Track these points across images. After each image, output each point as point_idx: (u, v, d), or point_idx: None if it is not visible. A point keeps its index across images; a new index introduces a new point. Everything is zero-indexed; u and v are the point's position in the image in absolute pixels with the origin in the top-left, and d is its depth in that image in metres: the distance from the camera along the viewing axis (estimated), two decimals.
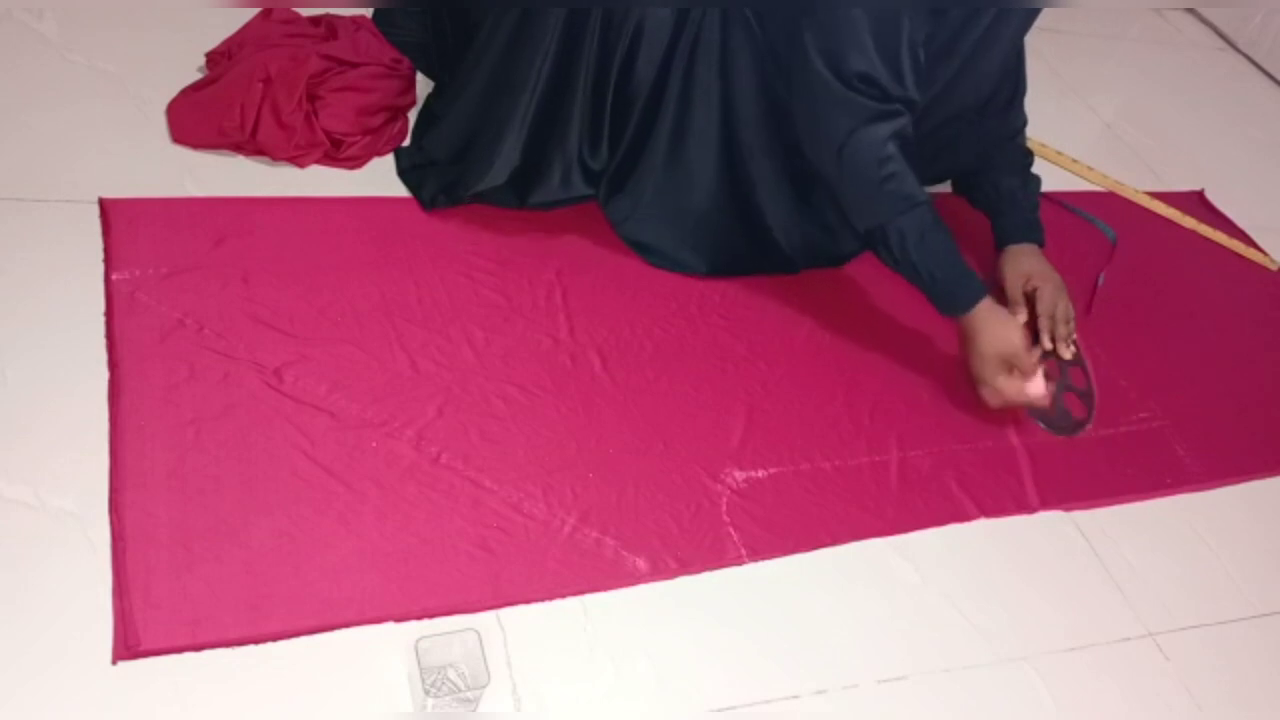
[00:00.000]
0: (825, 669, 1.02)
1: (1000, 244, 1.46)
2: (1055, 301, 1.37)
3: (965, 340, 1.27)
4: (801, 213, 1.40)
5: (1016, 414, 1.32)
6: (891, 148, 1.21)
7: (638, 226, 1.38)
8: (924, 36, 1.21)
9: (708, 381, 1.25)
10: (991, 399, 1.27)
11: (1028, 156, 1.50)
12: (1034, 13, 1.32)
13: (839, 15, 1.17)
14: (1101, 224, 1.71)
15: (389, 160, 1.41)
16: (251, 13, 1.46)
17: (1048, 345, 1.34)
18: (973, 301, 1.25)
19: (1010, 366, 1.25)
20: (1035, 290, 1.38)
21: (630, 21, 1.28)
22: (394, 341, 1.18)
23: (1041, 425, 1.33)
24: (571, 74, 1.30)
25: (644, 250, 1.38)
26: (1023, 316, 1.35)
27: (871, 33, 1.17)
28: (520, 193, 1.35)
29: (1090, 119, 2.04)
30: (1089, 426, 1.33)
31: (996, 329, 1.25)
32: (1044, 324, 1.35)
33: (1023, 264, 1.42)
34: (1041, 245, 1.45)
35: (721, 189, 1.38)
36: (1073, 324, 1.37)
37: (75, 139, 1.29)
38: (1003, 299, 1.37)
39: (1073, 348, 1.35)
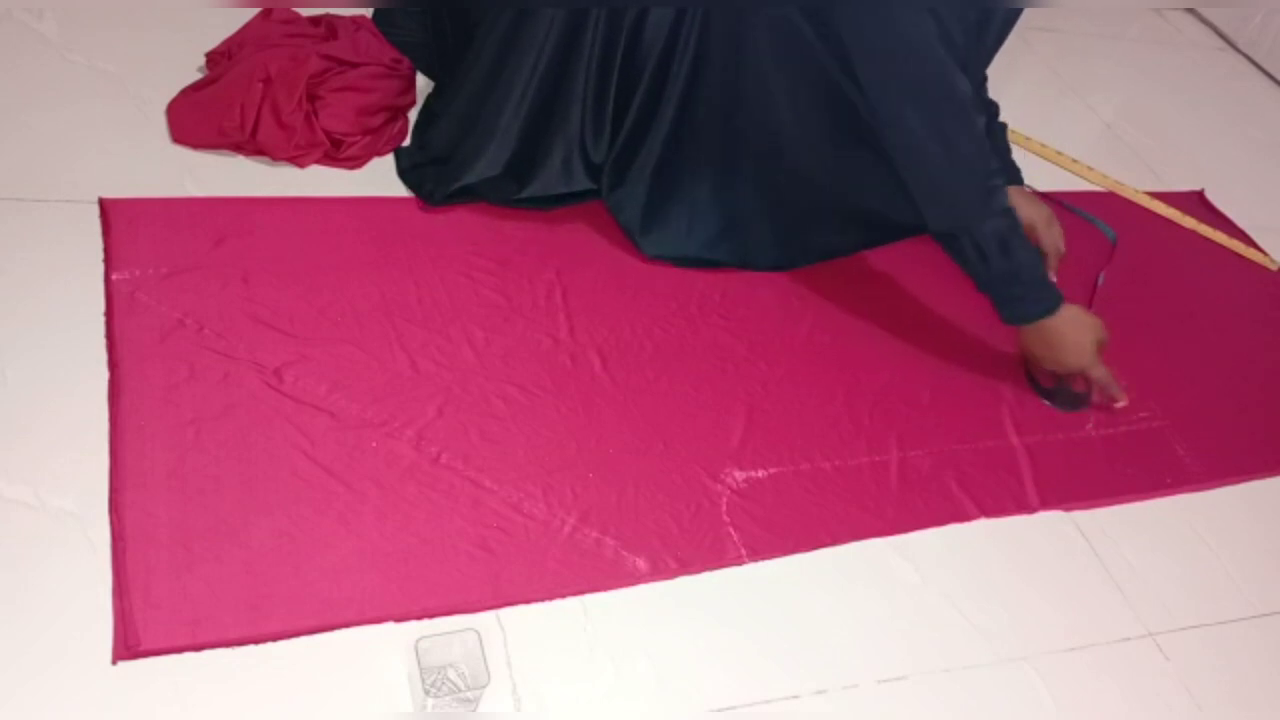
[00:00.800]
0: (825, 669, 1.02)
1: None
2: (1055, 241, 1.45)
3: (1048, 340, 1.29)
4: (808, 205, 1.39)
5: (1017, 414, 1.33)
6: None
7: (637, 214, 1.38)
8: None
9: (708, 381, 1.25)
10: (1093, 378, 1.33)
11: (992, 105, 1.51)
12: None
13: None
14: (1101, 224, 1.71)
15: (389, 160, 1.41)
16: (251, 13, 1.46)
17: (1053, 278, 1.39)
18: (1058, 304, 1.27)
19: (1100, 346, 1.31)
20: (1031, 234, 1.40)
21: (634, 7, 1.28)
22: (394, 341, 1.18)
23: (1052, 403, 1.36)
24: (574, 58, 1.30)
25: (643, 238, 1.38)
26: None
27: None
28: (520, 181, 1.35)
29: (1090, 119, 2.04)
30: (1091, 400, 1.37)
31: (1079, 316, 1.30)
32: (1053, 264, 1.43)
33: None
34: (1021, 184, 1.48)
35: (725, 177, 1.38)
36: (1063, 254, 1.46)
37: (75, 139, 1.29)
38: None
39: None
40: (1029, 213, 1.44)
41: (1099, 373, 1.32)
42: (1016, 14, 1.34)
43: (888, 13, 1.15)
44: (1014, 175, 1.49)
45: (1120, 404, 1.35)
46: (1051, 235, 1.45)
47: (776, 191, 1.38)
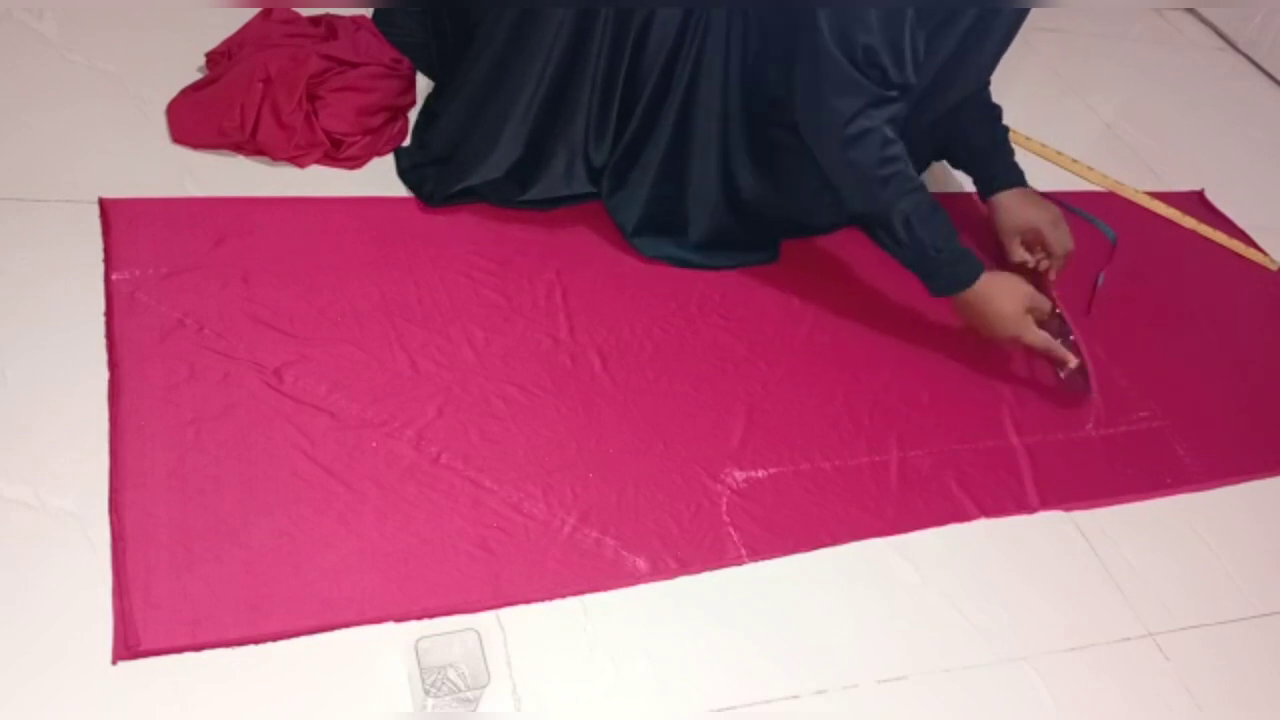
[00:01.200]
0: (825, 669, 1.02)
1: (985, 195, 1.50)
2: (1064, 240, 1.45)
3: (978, 310, 1.30)
4: (780, 191, 1.41)
5: (1015, 410, 1.32)
6: (891, 131, 1.23)
7: (635, 217, 1.38)
8: (927, 25, 1.22)
9: (708, 381, 1.25)
10: (1029, 346, 1.33)
11: (995, 109, 1.52)
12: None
13: None
14: (1101, 224, 1.70)
15: (389, 160, 1.41)
16: (251, 13, 1.46)
17: (1053, 277, 1.45)
18: (976, 274, 1.28)
19: (1034, 315, 1.32)
20: (1037, 236, 1.45)
21: (640, 12, 1.29)
22: (394, 341, 1.18)
23: (1061, 375, 1.37)
24: (581, 63, 1.31)
25: (639, 239, 1.38)
26: (1027, 259, 1.45)
27: (879, 16, 1.18)
28: (522, 184, 1.35)
29: (1090, 119, 2.04)
30: (1090, 381, 1.36)
31: (1006, 285, 1.31)
32: (1058, 265, 1.45)
33: (1016, 215, 1.46)
34: (1024, 185, 1.50)
35: (721, 178, 1.39)
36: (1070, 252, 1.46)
37: (75, 139, 1.29)
38: (1000, 255, 1.46)
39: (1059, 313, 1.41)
40: (1033, 214, 1.45)
41: (1033, 338, 1.32)
42: (1019, 20, 1.34)
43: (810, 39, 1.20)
44: (1016, 177, 1.50)
45: (1070, 365, 1.34)
46: (1058, 235, 1.45)
47: (766, 192, 1.39)
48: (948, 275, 1.29)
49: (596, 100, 1.33)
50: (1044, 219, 1.45)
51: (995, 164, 1.49)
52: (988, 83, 1.50)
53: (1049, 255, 1.45)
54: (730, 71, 1.33)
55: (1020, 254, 1.45)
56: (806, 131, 1.27)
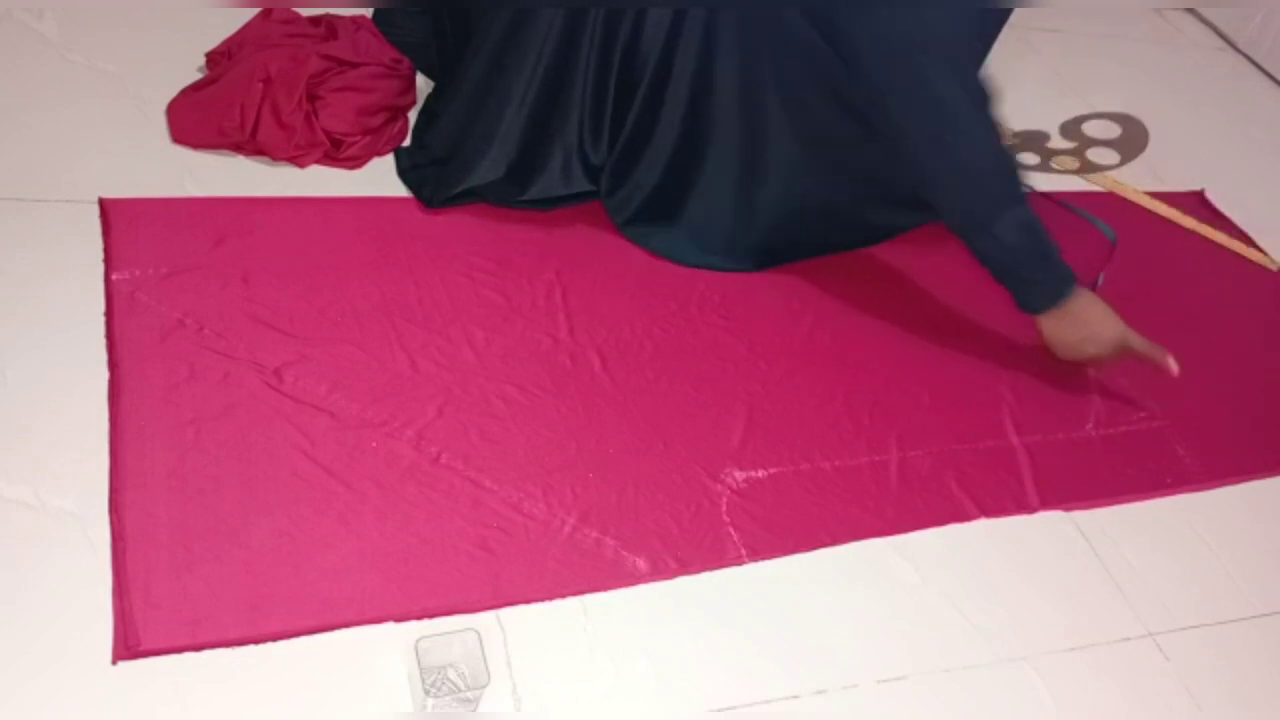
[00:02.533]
0: (825, 669, 1.02)
1: None
2: None
3: (1078, 322, 1.28)
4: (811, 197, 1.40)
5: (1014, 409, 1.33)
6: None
7: (635, 214, 1.38)
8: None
9: (708, 381, 1.25)
10: (1135, 353, 1.31)
11: None
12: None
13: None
14: (1101, 224, 1.70)
15: (389, 160, 1.41)
16: (251, 13, 1.46)
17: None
18: (1073, 285, 1.27)
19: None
20: None
21: (630, 8, 1.28)
22: (394, 341, 1.18)
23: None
24: (573, 59, 1.30)
25: (645, 240, 1.38)
26: None
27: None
28: (521, 184, 1.35)
29: None
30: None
31: (1097, 298, 1.29)
32: None
33: None
34: None
35: (734, 174, 1.38)
36: None
37: (75, 139, 1.29)
38: None
39: None
40: None
41: (1141, 343, 1.30)
42: (1005, 16, 1.34)
43: (914, 13, 1.14)
44: None
45: (1174, 368, 1.31)
46: None
47: (764, 197, 1.39)
48: (1052, 286, 1.27)
49: (589, 98, 1.33)
50: None
51: None
52: None
53: None
54: (744, 71, 1.30)
55: None
56: (946, 121, 1.19)
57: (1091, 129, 1.59)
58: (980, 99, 1.21)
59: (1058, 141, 1.60)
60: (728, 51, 1.29)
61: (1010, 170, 1.24)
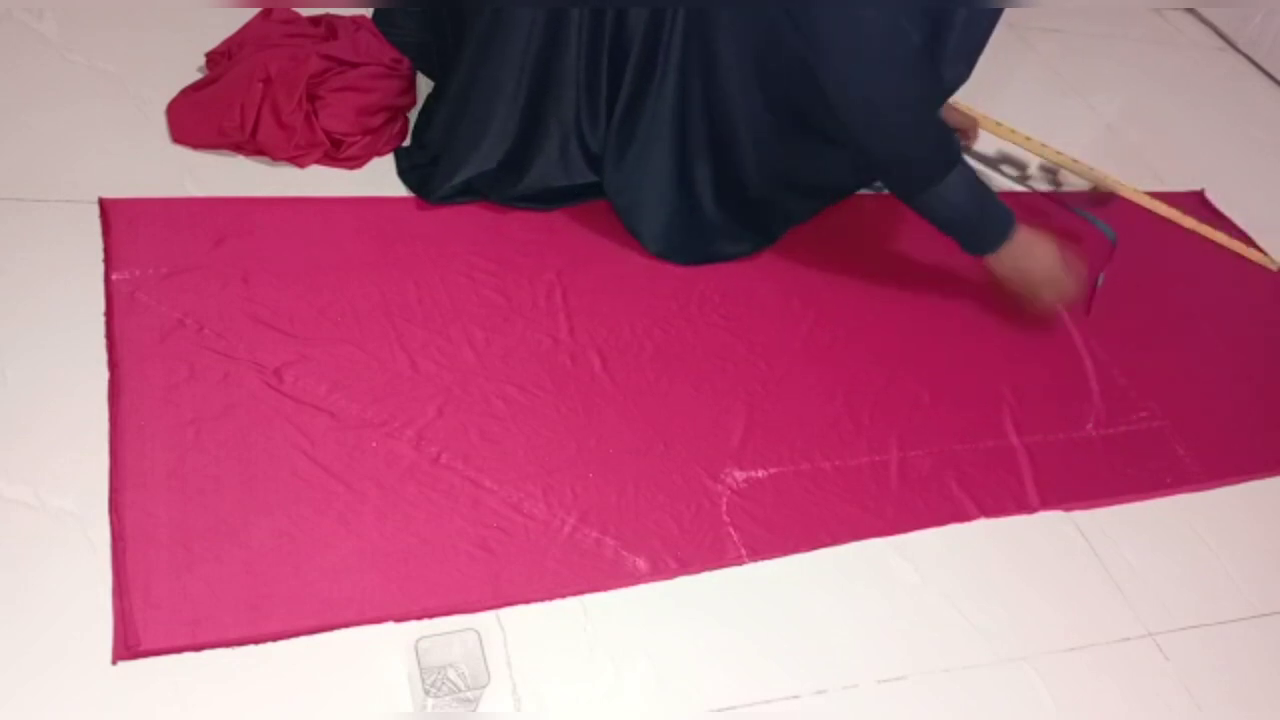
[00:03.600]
0: (825, 669, 1.02)
1: None
2: (966, 119, 1.56)
3: (1024, 256, 1.34)
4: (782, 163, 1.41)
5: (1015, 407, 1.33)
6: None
7: (633, 199, 1.38)
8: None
9: (708, 381, 1.25)
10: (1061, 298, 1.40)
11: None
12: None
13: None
14: (1101, 224, 1.70)
15: (389, 160, 1.41)
16: (251, 13, 1.46)
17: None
18: (1013, 221, 1.33)
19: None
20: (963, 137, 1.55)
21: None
22: (394, 341, 1.18)
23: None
24: (562, 40, 1.30)
25: (645, 237, 1.38)
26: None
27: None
28: (518, 172, 1.35)
29: (1090, 119, 2.04)
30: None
31: (1045, 238, 1.36)
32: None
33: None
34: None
35: (690, 162, 1.40)
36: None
37: (75, 139, 1.29)
38: None
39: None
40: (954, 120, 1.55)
41: (1077, 266, 1.39)
42: (992, 20, 1.34)
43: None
44: None
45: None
46: (959, 117, 1.56)
47: (734, 173, 1.39)
48: (995, 228, 1.33)
49: (583, 77, 1.32)
50: (965, 120, 1.57)
51: None
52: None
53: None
54: (713, 56, 1.31)
55: None
56: (847, 112, 1.24)
57: (1066, 176, 1.64)
58: (926, 82, 1.27)
59: (1034, 171, 1.65)
60: (695, 41, 1.31)
61: (948, 134, 1.30)
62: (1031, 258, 1.35)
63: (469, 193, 1.35)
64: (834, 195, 1.50)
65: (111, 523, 0.94)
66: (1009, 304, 1.42)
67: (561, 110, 1.34)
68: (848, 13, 1.18)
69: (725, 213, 1.41)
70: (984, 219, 1.33)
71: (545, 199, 1.38)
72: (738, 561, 1.08)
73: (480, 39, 1.33)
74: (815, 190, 1.46)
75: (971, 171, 1.30)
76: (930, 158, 1.28)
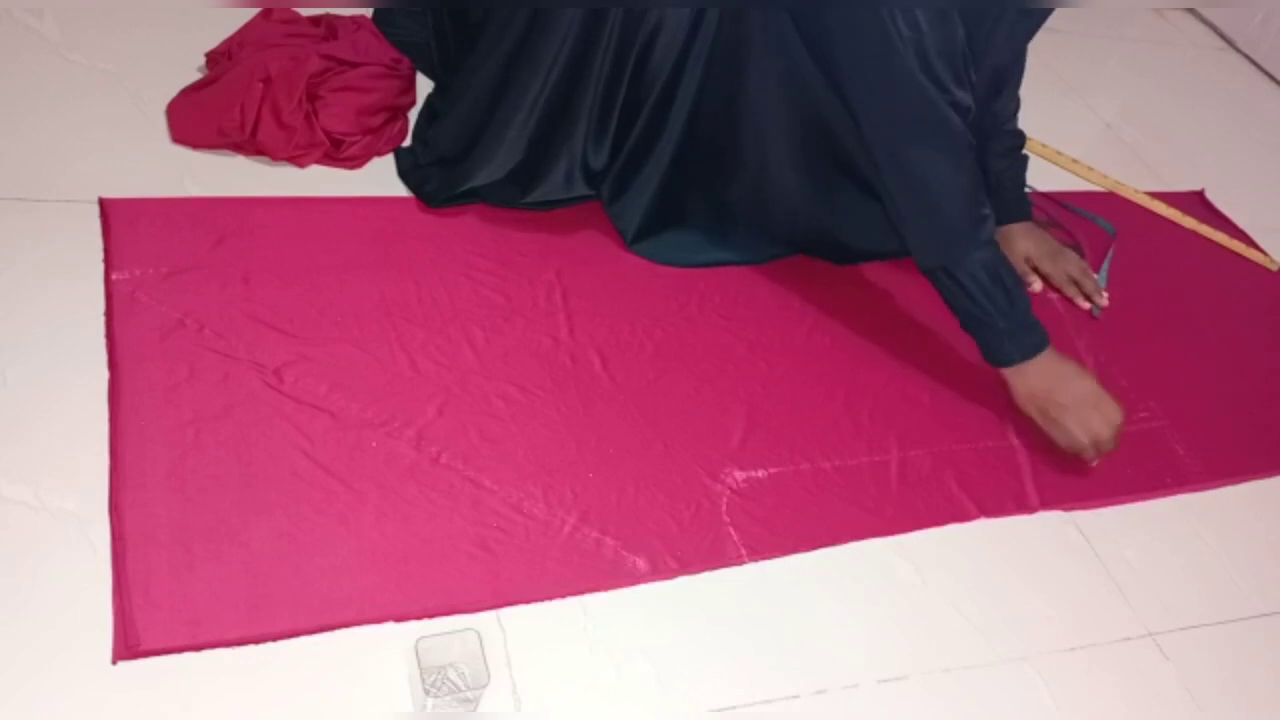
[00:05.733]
0: (825, 669, 1.02)
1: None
2: (1064, 269, 1.53)
3: (1049, 379, 1.23)
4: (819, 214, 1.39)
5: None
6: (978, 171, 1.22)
7: (636, 223, 1.38)
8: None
9: (708, 381, 1.25)
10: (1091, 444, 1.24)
11: (1019, 138, 1.51)
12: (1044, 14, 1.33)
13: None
14: (1102, 221, 1.71)
15: (389, 160, 1.41)
16: (251, 13, 1.46)
17: (1084, 305, 1.53)
18: (1045, 341, 1.23)
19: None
20: (1037, 269, 1.53)
21: (650, 18, 1.28)
22: (394, 341, 1.18)
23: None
24: (586, 69, 1.30)
25: (640, 245, 1.38)
26: (1037, 285, 1.52)
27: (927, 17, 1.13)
28: (524, 187, 1.35)
29: (1090, 119, 2.04)
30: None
31: (1071, 361, 1.25)
32: (1071, 292, 1.53)
33: (1017, 246, 1.52)
34: (1030, 218, 1.54)
35: (718, 195, 1.40)
36: (1087, 270, 1.55)
37: (75, 139, 1.29)
38: None
39: (1105, 293, 1.54)
40: (1030, 247, 1.52)
41: (1115, 412, 1.23)
42: (1027, 31, 1.33)
43: (881, 50, 1.14)
44: (1024, 211, 1.53)
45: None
46: (1055, 266, 1.52)
47: (761, 212, 1.39)
48: (1020, 336, 1.22)
49: (598, 104, 1.32)
50: (1043, 251, 1.52)
51: (1007, 196, 1.51)
52: (1017, 109, 1.49)
53: (1055, 285, 1.54)
54: (742, 91, 1.30)
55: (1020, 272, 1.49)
56: (917, 154, 1.18)
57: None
58: (958, 135, 1.19)
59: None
60: (735, 71, 1.29)
61: (980, 210, 1.20)
62: (1061, 384, 1.22)
63: (470, 196, 1.35)
64: (857, 255, 1.44)
65: (111, 523, 0.94)
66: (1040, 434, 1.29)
67: (573, 140, 1.34)
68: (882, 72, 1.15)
69: (723, 230, 1.42)
70: (1010, 320, 1.21)
71: (546, 204, 1.38)
72: (738, 561, 1.08)
73: (509, 54, 1.32)
74: (839, 248, 1.41)
75: (1005, 264, 1.21)
76: (958, 221, 1.20)
